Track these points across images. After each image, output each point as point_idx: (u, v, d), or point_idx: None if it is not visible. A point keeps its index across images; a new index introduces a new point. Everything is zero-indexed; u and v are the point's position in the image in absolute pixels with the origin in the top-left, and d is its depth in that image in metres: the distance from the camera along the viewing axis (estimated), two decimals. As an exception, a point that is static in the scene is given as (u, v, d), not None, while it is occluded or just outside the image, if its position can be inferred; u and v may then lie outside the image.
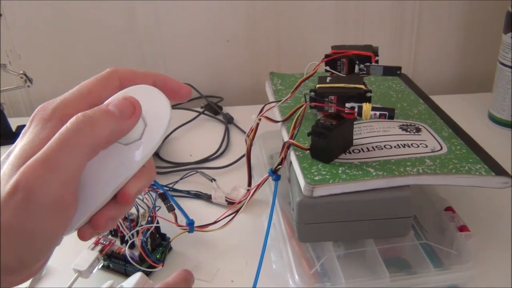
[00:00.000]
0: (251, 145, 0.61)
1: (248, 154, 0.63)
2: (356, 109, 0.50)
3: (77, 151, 0.27)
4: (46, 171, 0.26)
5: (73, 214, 0.29)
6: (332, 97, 0.52)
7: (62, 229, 0.28)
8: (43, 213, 0.26)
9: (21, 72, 0.80)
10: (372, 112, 0.50)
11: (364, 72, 0.56)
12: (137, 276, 0.42)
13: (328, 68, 0.59)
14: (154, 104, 0.32)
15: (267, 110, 0.61)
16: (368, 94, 0.51)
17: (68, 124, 0.28)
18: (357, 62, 0.56)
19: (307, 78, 0.60)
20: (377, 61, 0.57)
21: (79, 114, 0.28)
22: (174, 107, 0.92)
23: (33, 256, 0.28)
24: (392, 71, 0.55)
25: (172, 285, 0.38)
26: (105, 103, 0.30)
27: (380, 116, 0.50)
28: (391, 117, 0.49)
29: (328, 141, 0.51)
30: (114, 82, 0.32)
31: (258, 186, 0.54)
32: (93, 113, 0.29)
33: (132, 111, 0.30)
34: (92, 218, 0.30)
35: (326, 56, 0.59)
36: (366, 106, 0.50)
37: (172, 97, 0.33)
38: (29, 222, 0.26)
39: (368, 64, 0.56)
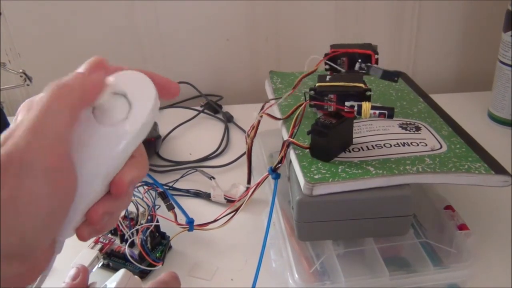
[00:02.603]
0: (252, 142, 0.61)
1: (248, 152, 0.63)
2: (355, 108, 0.50)
3: (58, 114, 0.28)
4: (33, 137, 0.27)
5: (71, 186, 0.29)
6: (332, 96, 0.52)
7: (63, 203, 0.28)
8: (38, 181, 0.26)
9: (21, 70, 0.79)
10: (372, 111, 0.50)
11: (364, 71, 0.56)
12: (120, 273, 0.40)
13: (330, 63, 0.59)
14: (139, 87, 0.32)
15: (268, 107, 0.61)
16: (368, 93, 0.51)
17: (44, 91, 0.29)
18: (359, 59, 0.56)
19: (308, 74, 0.60)
20: (377, 60, 0.57)
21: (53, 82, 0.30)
22: (174, 106, 0.92)
23: (34, 231, 0.27)
24: (390, 76, 0.55)
25: (165, 284, 0.38)
26: None
27: (380, 115, 0.50)
28: (390, 116, 0.50)
29: (328, 140, 0.51)
30: (100, 71, 0.33)
31: (258, 185, 0.54)
32: (65, 77, 0.30)
33: (96, 63, 0.32)
34: (87, 213, 0.30)
35: (327, 54, 0.59)
36: (366, 105, 0.50)
37: (160, 93, 0.33)
38: (25, 192, 0.26)
39: (369, 64, 0.56)
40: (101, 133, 0.30)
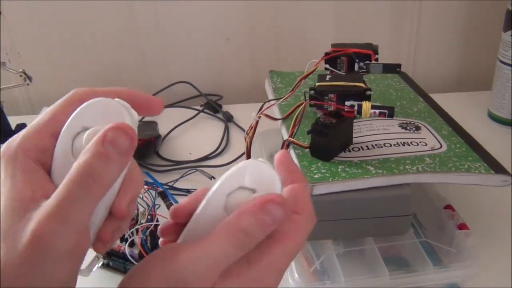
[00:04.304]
0: (250, 143, 0.61)
1: (248, 152, 0.63)
2: (355, 107, 0.50)
3: (86, 203, 0.27)
4: (59, 224, 0.27)
5: (87, 246, 0.29)
6: (332, 95, 0.52)
7: (78, 270, 0.29)
8: (59, 263, 0.27)
9: (21, 70, 0.79)
10: (372, 111, 0.50)
11: (364, 70, 0.56)
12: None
13: (327, 66, 0.59)
14: (113, 114, 0.30)
15: (266, 108, 0.60)
16: (368, 93, 0.51)
17: (74, 175, 0.27)
18: (357, 60, 0.56)
19: (307, 76, 0.60)
20: (376, 59, 0.57)
21: (81, 162, 0.27)
22: (174, 105, 0.92)
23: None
24: (391, 68, 0.55)
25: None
26: (98, 136, 0.28)
27: (380, 114, 0.50)
28: (390, 115, 0.50)
29: (328, 140, 0.51)
30: (75, 105, 0.31)
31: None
32: (95, 160, 0.28)
33: (130, 144, 0.28)
34: (98, 236, 0.31)
35: (326, 54, 0.59)
36: (366, 105, 0.50)
37: (141, 111, 0.33)
38: (45, 273, 0.26)
39: (367, 62, 0.56)
40: None
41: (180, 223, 0.31)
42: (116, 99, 0.31)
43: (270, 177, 0.30)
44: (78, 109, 0.30)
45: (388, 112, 0.50)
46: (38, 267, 0.26)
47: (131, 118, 0.30)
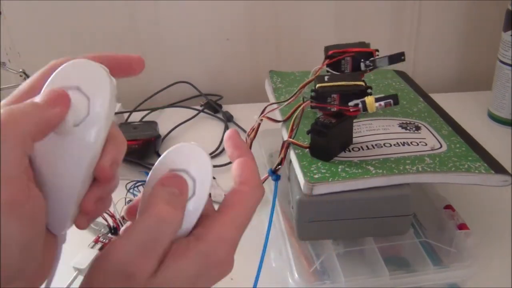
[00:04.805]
0: (251, 144, 0.61)
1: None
2: (360, 105, 0.50)
3: (6, 146, 0.26)
4: None
5: (37, 211, 0.27)
6: (335, 96, 0.51)
7: (36, 230, 0.27)
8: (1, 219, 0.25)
9: (21, 70, 0.80)
10: (377, 104, 0.49)
11: (371, 66, 0.56)
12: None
13: (329, 69, 0.59)
14: (91, 76, 0.30)
15: (269, 111, 0.60)
16: (369, 91, 0.51)
17: None
18: (363, 59, 0.56)
19: (310, 81, 0.59)
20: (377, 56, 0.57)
21: (1, 109, 0.27)
22: (173, 105, 0.92)
23: (17, 266, 0.26)
24: (397, 58, 0.55)
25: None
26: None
27: (386, 105, 0.49)
28: (396, 102, 0.49)
29: (328, 140, 0.51)
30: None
31: (258, 185, 0.54)
32: (16, 106, 0.27)
33: (58, 100, 0.28)
34: (81, 205, 0.30)
35: (328, 57, 0.58)
36: (369, 99, 0.49)
37: (124, 71, 0.32)
38: None
39: (372, 59, 0.56)
40: (71, 134, 0.29)
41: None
42: (97, 63, 0.31)
43: None
44: (59, 68, 0.30)
45: (393, 100, 0.49)
46: None
47: (110, 82, 0.30)
